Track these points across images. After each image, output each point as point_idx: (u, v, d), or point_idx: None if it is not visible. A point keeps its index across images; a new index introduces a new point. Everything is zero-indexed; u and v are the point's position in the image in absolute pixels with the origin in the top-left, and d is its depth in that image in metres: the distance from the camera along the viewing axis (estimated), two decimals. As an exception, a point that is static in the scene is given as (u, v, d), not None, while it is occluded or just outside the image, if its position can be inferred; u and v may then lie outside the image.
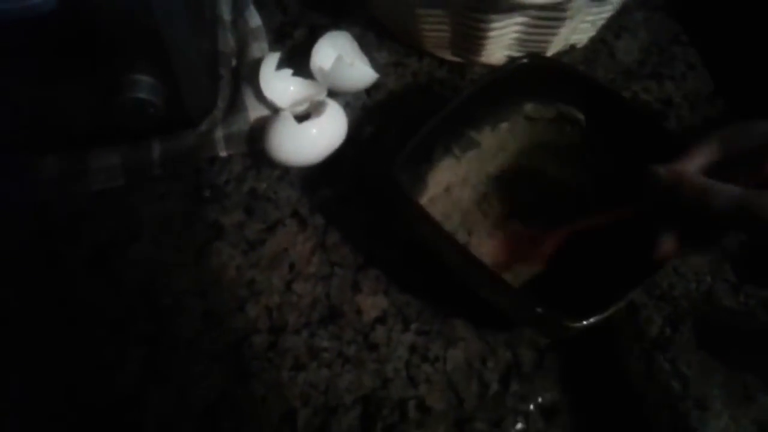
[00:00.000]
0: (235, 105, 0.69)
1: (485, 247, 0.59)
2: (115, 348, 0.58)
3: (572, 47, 0.74)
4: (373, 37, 0.77)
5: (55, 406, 0.54)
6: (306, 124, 0.63)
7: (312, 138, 0.63)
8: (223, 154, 0.67)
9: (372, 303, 0.59)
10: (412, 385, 0.55)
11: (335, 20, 0.78)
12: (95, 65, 0.58)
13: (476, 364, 0.56)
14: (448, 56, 0.74)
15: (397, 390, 0.55)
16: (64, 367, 0.56)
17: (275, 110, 0.68)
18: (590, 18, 0.68)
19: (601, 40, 0.76)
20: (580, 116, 0.60)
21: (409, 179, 0.56)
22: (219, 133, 0.67)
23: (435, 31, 0.71)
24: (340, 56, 0.67)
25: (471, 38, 0.69)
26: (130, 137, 0.66)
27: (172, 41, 0.58)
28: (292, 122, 0.63)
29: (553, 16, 0.64)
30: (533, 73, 0.60)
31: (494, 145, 0.62)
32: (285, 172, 0.67)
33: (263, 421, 0.54)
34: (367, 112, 0.71)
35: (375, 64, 0.73)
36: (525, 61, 0.59)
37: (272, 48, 0.75)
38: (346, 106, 0.69)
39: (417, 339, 0.58)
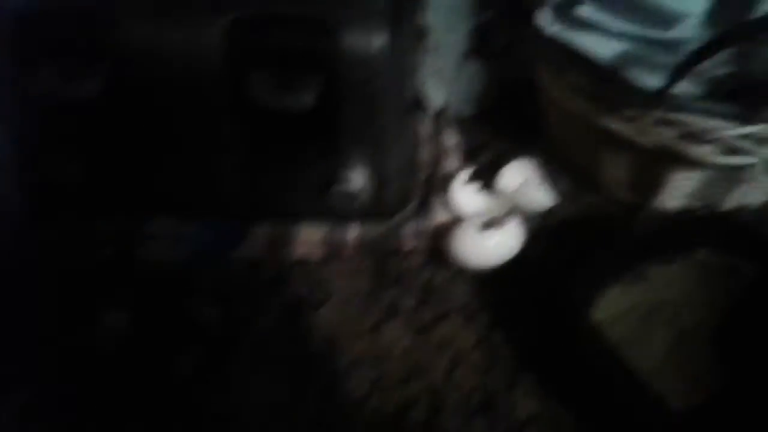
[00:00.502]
0: (424, 207, 0.79)
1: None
2: (295, 391, 0.66)
3: (745, 207, 0.79)
4: (554, 167, 0.85)
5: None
6: (487, 233, 0.71)
7: (489, 246, 0.71)
8: (408, 246, 0.76)
9: (526, 404, 0.64)
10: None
11: (520, 148, 0.88)
12: (323, 157, 0.70)
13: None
14: (623, 196, 0.81)
15: (541, 488, 0.58)
16: (249, 410, 0.64)
17: (460, 217, 0.77)
18: (765, 184, 0.73)
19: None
20: (749, 269, 0.64)
21: (578, 301, 0.62)
22: (408, 228, 0.77)
23: (614, 171, 0.78)
24: (527, 180, 0.76)
25: (649, 184, 0.76)
26: (334, 219, 0.77)
27: (390, 149, 0.70)
28: (475, 230, 0.71)
29: (733, 177, 0.69)
30: (709, 225, 0.65)
31: (662, 282, 0.67)
32: (459, 271, 0.74)
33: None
34: (539, 234, 0.78)
35: (552, 192, 0.81)
36: (703, 213, 0.65)
37: (462, 165, 0.85)
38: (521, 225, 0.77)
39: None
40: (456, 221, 0.76)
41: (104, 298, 0.63)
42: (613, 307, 0.65)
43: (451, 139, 0.87)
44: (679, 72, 0.63)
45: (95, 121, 0.67)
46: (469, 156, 0.88)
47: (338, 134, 0.66)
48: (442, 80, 0.89)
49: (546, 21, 0.76)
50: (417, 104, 0.81)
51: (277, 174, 0.71)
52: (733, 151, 0.66)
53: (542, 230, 0.78)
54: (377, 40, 0.63)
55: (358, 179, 0.69)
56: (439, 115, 0.89)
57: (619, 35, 0.71)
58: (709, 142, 0.66)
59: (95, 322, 0.59)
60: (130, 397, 0.59)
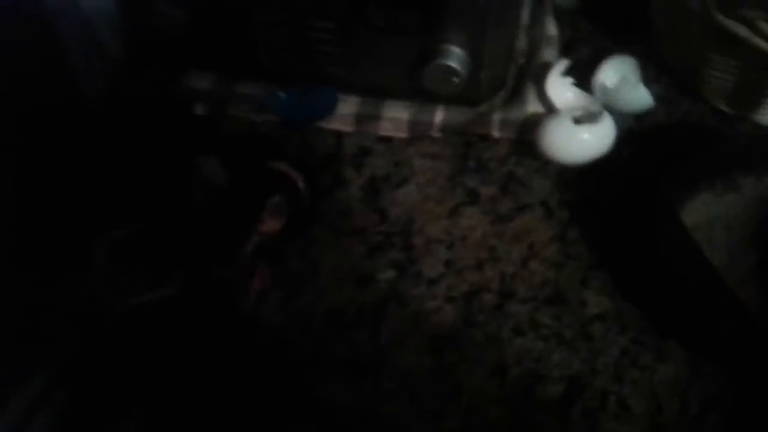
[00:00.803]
0: (516, 96, 0.77)
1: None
2: (368, 266, 0.68)
3: None
4: (652, 69, 0.82)
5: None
6: (580, 127, 0.70)
7: (581, 141, 0.70)
8: (495, 134, 0.75)
9: (596, 301, 0.65)
10: (617, 381, 0.60)
11: (620, 45, 0.84)
12: (423, 28, 0.68)
13: (682, 384, 0.60)
14: (723, 106, 0.77)
15: (602, 381, 0.60)
16: (323, 272, 0.67)
17: (552, 110, 0.75)
18: None
19: None
20: None
21: (669, 200, 0.61)
22: (496, 116, 0.76)
23: (718, 78, 0.74)
24: (625, 77, 0.73)
25: (754, 94, 0.72)
26: (423, 99, 0.76)
27: (492, 25, 0.67)
28: (569, 122, 0.70)
29: None
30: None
31: (755, 195, 0.65)
32: (543, 165, 0.74)
33: (478, 364, 0.61)
34: (632, 135, 0.76)
35: (650, 94, 0.78)
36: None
37: (559, 57, 0.82)
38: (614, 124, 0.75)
39: (630, 345, 0.62)
40: (548, 113, 0.74)
41: (204, 152, 0.64)
42: (701, 213, 0.64)
43: (551, 29, 0.84)
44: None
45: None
46: (567, 48, 0.85)
47: (444, 5, 0.64)
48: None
49: None
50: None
51: (375, 44, 0.70)
52: None
53: (635, 132, 0.76)
54: None
55: (456, 57, 0.68)
56: (541, 2, 0.85)
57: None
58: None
59: (192, 170, 0.61)
60: (219, 244, 0.62)
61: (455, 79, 0.69)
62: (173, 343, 0.58)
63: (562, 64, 0.77)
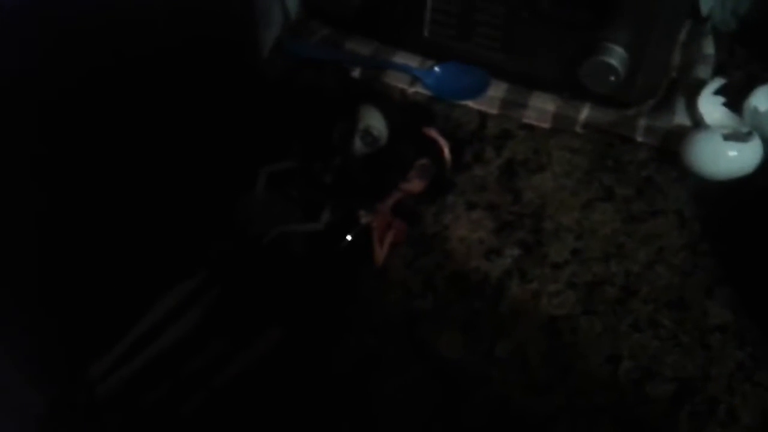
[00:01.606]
0: (665, 106, 0.78)
1: None
2: (495, 241, 0.71)
3: None
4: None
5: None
6: (728, 143, 0.70)
7: (728, 157, 0.71)
8: (638, 138, 0.76)
9: (719, 312, 0.65)
10: (729, 392, 0.61)
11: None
12: (592, 24, 0.70)
13: (797, 408, 0.60)
14: None
15: (714, 388, 0.61)
16: (453, 238, 0.70)
17: (700, 124, 0.76)
18: None
19: None
20: None
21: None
22: (642, 122, 0.77)
23: None
24: (785, 103, 0.73)
25: None
26: (572, 94, 0.79)
27: (654, 37, 0.69)
28: (718, 137, 0.70)
29: None
30: None
31: None
32: (682, 175, 0.74)
33: (592, 350, 0.63)
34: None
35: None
36: None
37: (713, 77, 0.82)
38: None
39: (747, 360, 0.63)
40: (696, 127, 0.75)
41: (360, 106, 0.69)
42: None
43: (708, 48, 0.84)
44: None
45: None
46: (721, 70, 0.85)
47: (616, 5, 0.66)
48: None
49: None
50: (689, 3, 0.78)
51: (539, 34, 0.73)
52: None
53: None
54: None
55: (618, 56, 0.70)
56: (703, 21, 0.86)
57: None
58: None
59: (355, 118, 0.66)
60: (367, 192, 0.66)
61: (613, 78, 0.71)
62: (311, 274, 0.63)
63: (717, 83, 0.77)
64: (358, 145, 0.65)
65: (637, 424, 0.60)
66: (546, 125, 0.78)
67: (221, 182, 0.66)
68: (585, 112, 0.78)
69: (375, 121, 0.66)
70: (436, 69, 0.80)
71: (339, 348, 0.63)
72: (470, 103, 0.80)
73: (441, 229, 0.71)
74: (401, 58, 0.83)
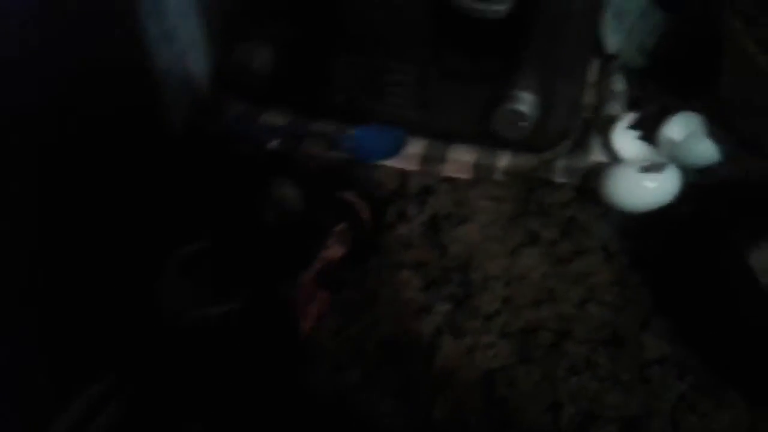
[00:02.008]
0: (581, 146, 0.79)
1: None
2: (424, 299, 0.69)
3: None
4: (717, 128, 0.82)
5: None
6: (645, 175, 0.70)
7: (646, 189, 0.71)
8: (558, 180, 0.76)
9: (656, 345, 0.64)
10: (674, 426, 0.59)
11: (686, 104, 0.85)
12: (498, 75, 0.71)
13: (743, 433, 0.58)
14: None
15: (658, 424, 0.59)
16: (380, 301, 0.68)
17: (616, 159, 0.76)
18: None
19: None
20: None
21: (737, 246, 0.61)
22: (560, 163, 0.77)
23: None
24: (692, 131, 0.74)
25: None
26: (489, 144, 0.79)
27: (564, 79, 0.70)
28: (634, 170, 0.71)
29: None
30: None
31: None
32: (605, 212, 0.74)
33: (531, 400, 0.61)
34: (696, 189, 0.76)
35: (715, 150, 0.78)
36: None
37: (625, 112, 0.84)
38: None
39: (688, 391, 0.61)
40: (613, 162, 0.75)
41: (280, 175, 0.68)
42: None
43: (618, 85, 0.86)
44: None
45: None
46: (634, 105, 0.86)
47: (521, 51, 0.67)
48: (622, 25, 0.87)
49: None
50: (593, 44, 0.80)
51: (449, 89, 0.74)
52: None
53: (699, 186, 0.76)
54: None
55: (527, 102, 0.70)
56: (611, 59, 0.88)
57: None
58: None
59: (269, 191, 0.65)
60: (285, 265, 0.64)
61: (524, 124, 0.72)
62: (232, 358, 0.60)
63: (629, 117, 0.79)
64: (271, 217, 0.64)
65: (585, 472, 0.57)
66: (466, 176, 0.78)
67: (130, 267, 0.63)
68: (504, 160, 0.79)
69: (287, 191, 0.65)
70: (354, 132, 0.80)
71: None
72: (390, 163, 0.80)
73: (367, 294, 0.69)
74: (318, 126, 0.83)
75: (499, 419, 0.60)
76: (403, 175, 0.79)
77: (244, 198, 0.66)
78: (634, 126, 0.79)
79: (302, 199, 0.65)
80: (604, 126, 0.80)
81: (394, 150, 0.79)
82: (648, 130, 0.80)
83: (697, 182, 0.76)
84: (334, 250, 0.66)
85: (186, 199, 0.68)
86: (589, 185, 0.75)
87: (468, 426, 0.59)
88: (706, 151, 0.76)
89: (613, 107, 0.83)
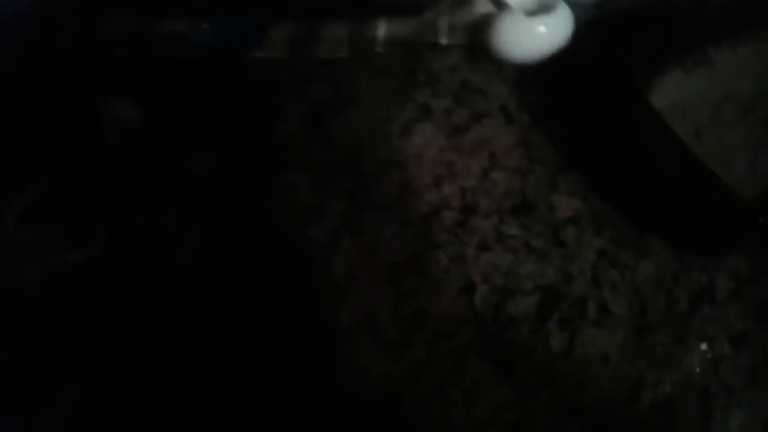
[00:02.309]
0: (463, -1, 0.70)
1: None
2: (316, 200, 0.62)
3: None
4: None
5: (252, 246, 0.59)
6: (534, 20, 0.63)
7: (537, 34, 0.63)
8: (444, 42, 0.68)
9: (567, 203, 0.59)
10: (596, 286, 0.55)
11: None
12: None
13: (667, 281, 0.54)
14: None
15: (579, 288, 0.55)
16: (263, 211, 0.61)
17: (503, 7, 0.68)
18: None
19: None
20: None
21: (636, 85, 0.55)
22: (443, 22, 0.69)
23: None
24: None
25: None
26: (360, 14, 0.69)
27: None
28: (522, 17, 0.63)
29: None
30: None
31: (731, 68, 0.58)
32: (499, 69, 0.67)
33: (443, 288, 0.56)
34: (593, 25, 0.69)
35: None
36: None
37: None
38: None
39: (608, 245, 0.57)
40: (498, 12, 0.67)
41: (114, 92, 0.58)
42: (675, 94, 0.57)
43: None
44: None
45: None
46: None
47: None
48: None
49: None
50: None
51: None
52: None
53: (596, 21, 0.69)
54: None
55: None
56: None
57: None
58: None
59: (103, 113, 0.55)
60: (142, 192, 0.56)
61: (389, -17, 0.62)
62: (103, 308, 0.52)
63: (510, -43, 0.69)
64: (111, 141, 0.54)
65: (507, 351, 0.53)
66: (344, 54, 0.69)
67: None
68: (382, 29, 0.70)
69: (124, 109, 0.55)
70: (205, 27, 0.69)
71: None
72: (255, 54, 0.70)
73: (252, 206, 0.61)
74: (167, 25, 0.71)
75: (411, 314, 0.55)
76: (273, 65, 0.69)
77: (78, 124, 0.56)
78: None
79: (141, 115, 0.55)
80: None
81: (257, 39, 0.69)
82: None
83: (594, 17, 0.69)
84: (201, 164, 0.58)
85: (10, 136, 0.57)
86: (478, 42, 0.67)
87: (378, 328, 0.54)
88: (598, -19, 0.68)
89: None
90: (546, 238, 0.57)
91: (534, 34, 0.63)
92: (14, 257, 0.52)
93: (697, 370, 0.51)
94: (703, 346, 0.51)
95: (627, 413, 0.51)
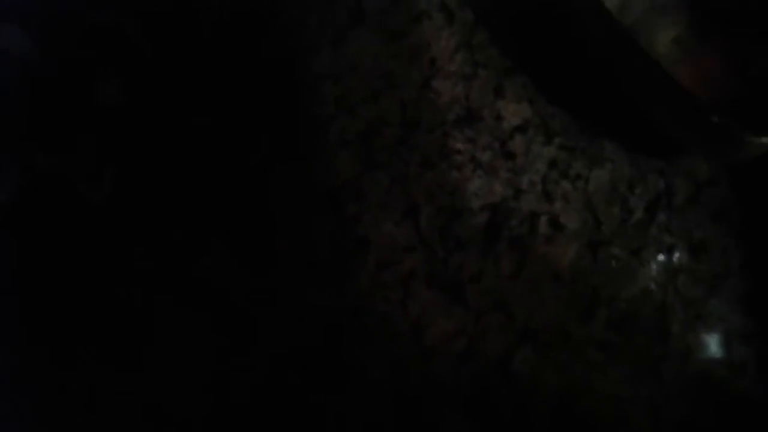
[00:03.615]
0: None
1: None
2: (244, 120, 0.56)
3: None
4: None
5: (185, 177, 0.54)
6: None
7: None
8: (373, -67, 0.61)
9: (514, 110, 0.54)
10: (546, 200, 0.51)
11: None
12: None
13: (622, 189, 0.50)
14: None
15: (529, 203, 0.51)
16: (185, 138, 0.55)
17: None
18: None
19: None
20: None
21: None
22: None
23: None
24: None
25: None
26: None
27: None
28: None
29: None
30: None
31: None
32: (438, -39, 0.60)
33: (386, 210, 0.52)
34: None
35: None
36: None
37: None
38: None
39: (559, 154, 0.52)
40: None
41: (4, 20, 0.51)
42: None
43: None
44: None
45: None
46: None
47: None
48: None
49: None
50: None
51: None
52: None
53: None
54: None
55: None
56: None
57: None
58: None
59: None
60: (43, 127, 0.50)
61: None
62: (14, 259, 0.48)
63: None
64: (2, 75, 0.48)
65: (455, 276, 0.50)
66: (265, -44, 0.61)
67: None
68: (305, -77, 0.61)
69: (12, 38, 0.48)
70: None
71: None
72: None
73: (176, 137, 0.55)
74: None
75: (353, 241, 0.51)
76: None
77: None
78: None
79: (30, 40, 0.48)
80: None
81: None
82: None
83: None
84: (108, 92, 0.51)
85: None
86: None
87: (316, 260, 0.50)
88: None
89: None
90: (493, 150, 0.53)
91: None
92: None
93: (654, 283, 0.49)
94: (661, 257, 0.48)
95: (581, 332, 0.48)
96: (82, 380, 0.48)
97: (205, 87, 0.57)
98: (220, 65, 0.57)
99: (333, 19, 0.59)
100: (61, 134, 0.50)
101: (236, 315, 0.49)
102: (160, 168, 0.54)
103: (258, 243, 0.51)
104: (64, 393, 0.48)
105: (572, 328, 0.49)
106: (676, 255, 0.49)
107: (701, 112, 0.41)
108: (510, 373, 0.48)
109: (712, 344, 0.49)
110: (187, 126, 0.55)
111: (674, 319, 0.49)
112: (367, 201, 0.52)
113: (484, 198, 0.51)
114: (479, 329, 0.49)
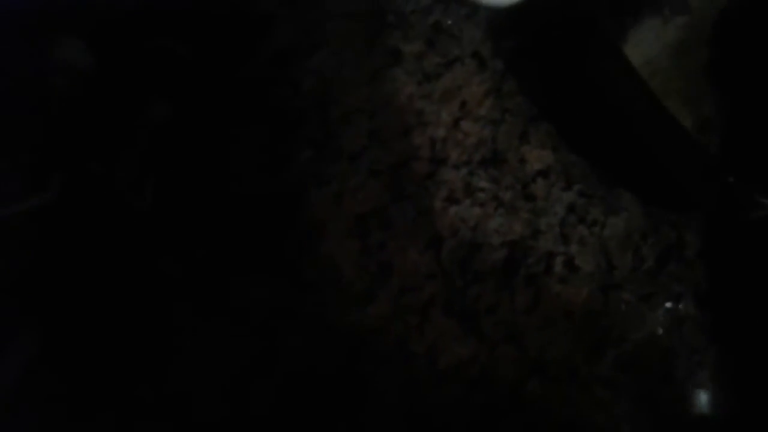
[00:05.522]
0: (437, -65, 0.66)
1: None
2: (283, 147, 0.60)
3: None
4: None
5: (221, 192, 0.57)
6: (509, -40, 0.60)
7: (511, -24, 0.60)
8: (415, -18, 0.65)
9: (538, 156, 0.57)
10: (563, 242, 0.54)
11: None
12: None
13: (636, 237, 0.53)
14: None
15: (546, 243, 0.54)
16: (224, 159, 0.59)
17: (477, -54, 0.65)
18: None
19: None
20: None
21: (610, 36, 0.53)
22: (415, -39, 0.65)
23: None
24: None
25: None
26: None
27: None
28: (495, -44, 0.60)
29: None
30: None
31: (709, 14, 0.56)
32: (473, 11, 0.64)
33: (411, 239, 0.55)
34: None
35: None
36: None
37: None
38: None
39: (578, 200, 0.55)
40: (472, -50, 0.64)
41: (66, 34, 0.55)
42: (650, 43, 0.55)
43: None
44: None
45: None
46: None
47: None
48: None
49: None
50: None
51: None
52: None
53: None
54: None
55: None
56: None
57: None
58: None
59: (49, 55, 0.52)
60: (97, 137, 0.53)
61: None
62: (57, 255, 0.50)
63: None
64: (60, 85, 0.51)
65: (472, 306, 0.52)
66: (311, -6, 0.66)
67: None
68: (351, -32, 0.66)
69: (75, 52, 0.52)
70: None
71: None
72: (218, -8, 0.66)
73: (216, 152, 0.59)
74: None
75: (377, 266, 0.54)
76: (234, 6, 0.66)
77: (24, 65, 0.53)
78: None
79: (92, 55, 0.52)
80: None
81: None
82: None
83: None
84: (159, 110, 0.55)
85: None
86: (451, -17, 0.64)
87: (342, 281, 0.53)
88: None
89: None
90: (515, 191, 0.56)
91: (509, -24, 0.60)
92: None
93: (661, 329, 0.51)
94: (668, 305, 0.51)
95: (589, 370, 0.51)
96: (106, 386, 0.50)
97: (244, 112, 0.60)
98: (261, 91, 0.61)
99: (370, 59, 0.63)
100: (112, 145, 0.53)
101: (259, 332, 0.52)
102: (196, 182, 0.57)
103: (284, 262, 0.54)
104: (85, 394, 0.51)
105: (581, 364, 0.51)
106: (683, 304, 0.52)
107: (717, 171, 0.44)
108: (519, 402, 0.50)
109: (711, 393, 0.51)
110: (226, 144, 0.59)
111: (678, 365, 0.51)
112: (393, 229, 0.55)
113: (504, 235, 0.54)
114: (492, 358, 0.51)
